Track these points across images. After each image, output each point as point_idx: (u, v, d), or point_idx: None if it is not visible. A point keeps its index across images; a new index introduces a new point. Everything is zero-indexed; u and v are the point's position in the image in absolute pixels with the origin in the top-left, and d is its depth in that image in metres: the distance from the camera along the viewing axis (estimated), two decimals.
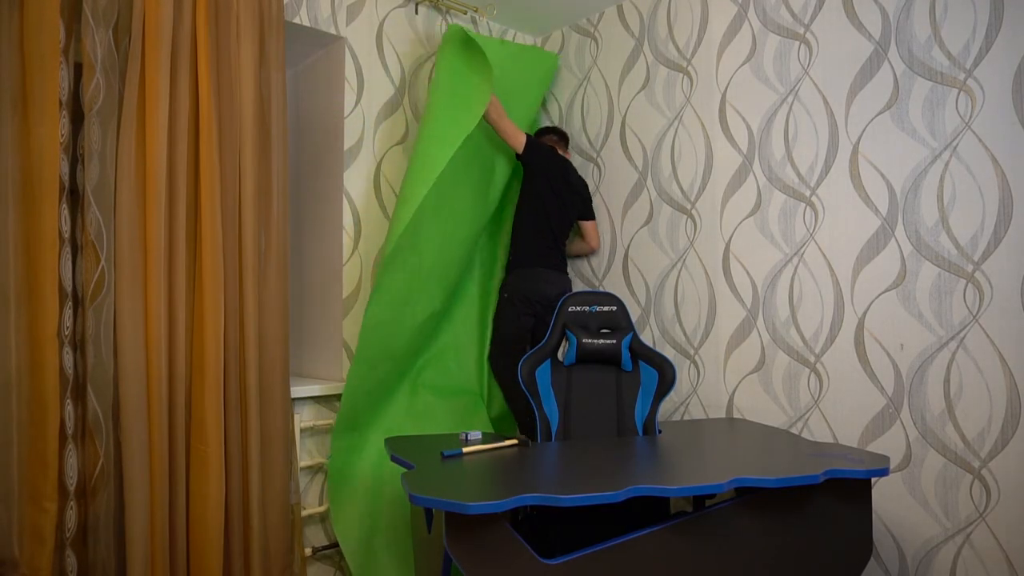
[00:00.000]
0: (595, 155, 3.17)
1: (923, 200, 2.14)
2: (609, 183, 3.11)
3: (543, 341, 2.43)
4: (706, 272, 2.72)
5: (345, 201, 2.68)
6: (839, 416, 2.33)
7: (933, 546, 2.12)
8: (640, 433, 2.38)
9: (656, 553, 1.66)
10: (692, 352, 2.77)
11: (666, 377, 2.38)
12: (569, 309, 2.46)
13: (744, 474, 1.68)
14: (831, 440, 2.34)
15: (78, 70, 1.96)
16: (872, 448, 2.24)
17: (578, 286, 3.24)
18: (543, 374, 2.37)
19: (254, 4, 2.21)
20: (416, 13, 2.90)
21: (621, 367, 2.43)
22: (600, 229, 3.15)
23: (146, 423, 1.97)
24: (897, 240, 2.20)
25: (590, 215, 3.04)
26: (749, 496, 1.76)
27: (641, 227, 2.97)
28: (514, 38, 3.36)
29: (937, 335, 2.11)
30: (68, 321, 1.92)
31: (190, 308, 2.10)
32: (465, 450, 1.97)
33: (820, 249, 2.38)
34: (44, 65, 1.84)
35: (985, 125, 2.02)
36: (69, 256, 1.93)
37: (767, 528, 1.77)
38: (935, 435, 2.12)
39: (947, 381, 2.09)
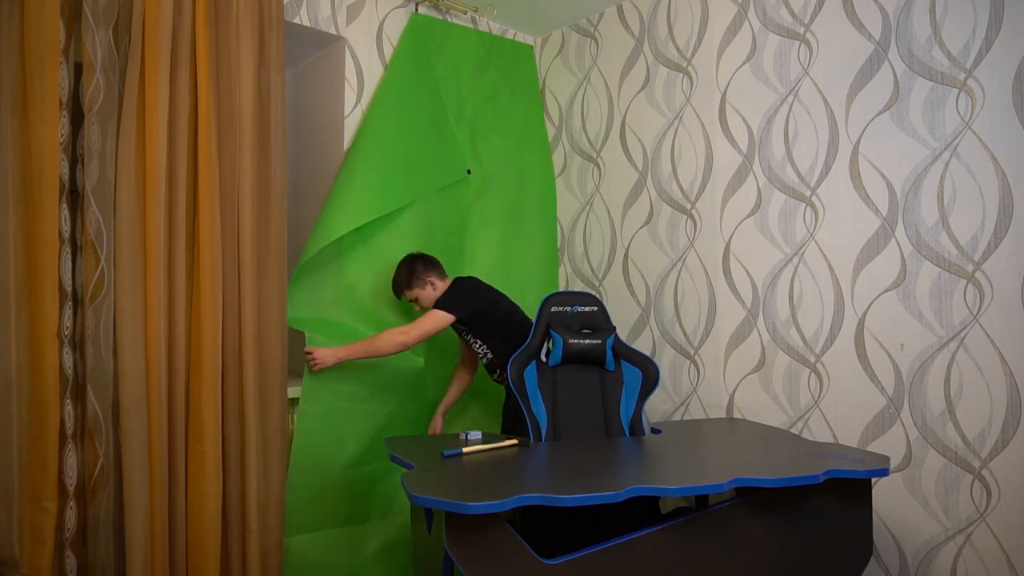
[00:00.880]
0: (595, 155, 3.17)
1: (923, 200, 2.14)
2: (609, 183, 3.11)
3: (527, 341, 2.41)
4: (706, 272, 2.72)
5: None
6: (839, 416, 2.33)
7: (933, 546, 2.12)
8: (627, 433, 2.38)
9: (656, 553, 1.66)
10: (692, 352, 2.77)
11: (650, 376, 2.38)
12: (552, 309, 2.45)
13: (744, 474, 1.68)
14: (831, 440, 2.34)
15: (78, 70, 1.96)
16: (872, 448, 2.24)
17: (576, 286, 3.24)
18: (530, 375, 2.36)
19: (254, 4, 2.21)
20: (416, 13, 2.90)
21: (605, 367, 2.43)
22: (600, 229, 3.15)
23: (146, 423, 1.97)
24: (897, 240, 2.20)
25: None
26: (749, 496, 1.76)
27: (641, 227, 2.97)
28: (514, 38, 3.36)
29: (937, 335, 2.11)
30: (68, 321, 1.92)
31: (190, 308, 2.10)
32: (465, 450, 1.97)
33: (820, 249, 2.38)
34: (44, 65, 1.84)
35: (985, 125, 2.02)
36: (69, 256, 1.93)
37: (767, 528, 1.76)
38: (935, 435, 2.12)
39: (947, 381, 2.09)
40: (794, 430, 2.44)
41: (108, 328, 1.97)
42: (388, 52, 2.80)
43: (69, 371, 1.92)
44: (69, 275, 1.93)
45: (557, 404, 2.38)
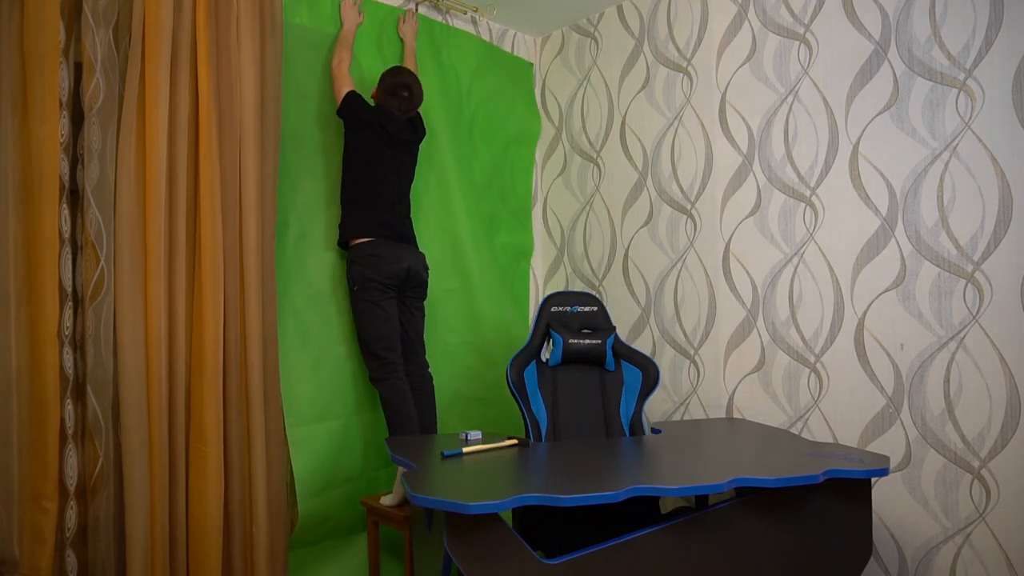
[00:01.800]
0: (595, 155, 3.17)
1: (923, 200, 2.14)
2: (609, 183, 3.11)
3: (527, 341, 2.41)
4: (706, 272, 2.72)
5: None
6: (839, 416, 2.33)
7: (933, 546, 2.12)
8: (627, 433, 2.38)
9: (656, 553, 1.66)
10: (692, 352, 2.77)
11: (650, 376, 2.38)
12: (552, 309, 2.45)
13: (744, 474, 1.68)
14: (831, 440, 2.34)
15: (78, 70, 1.96)
16: (872, 448, 2.24)
17: (576, 286, 3.24)
18: (530, 375, 2.36)
19: (254, 4, 2.21)
20: (416, 13, 2.90)
21: (605, 367, 2.43)
22: (600, 229, 3.15)
23: (146, 423, 1.97)
24: (897, 240, 2.20)
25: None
26: (749, 496, 1.76)
27: (641, 227, 2.97)
28: (514, 38, 3.36)
29: (937, 335, 2.11)
30: (68, 321, 1.92)
31: (190, 308, 2.10)
32: (465, 450, 1.97)
33: (820, 249, 2.38)
34: (44, 65, 1.84)
35: (985, 125, 2.02)
36: (69, 256, 1.93)
37: (767, 528, 1.77)
38: (935, 435, 2.12)
39: (947, 381, 2.09)
40: (794, 430, 2.44)
41: (108, 328, 1.97)
42: (388, 52, 2.80)
43: (69, 371, 1.92)
44: (69, 275, 1.93)
45: (557, 404, 2.38)
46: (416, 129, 2.64)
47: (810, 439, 2.29)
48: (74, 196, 1.98)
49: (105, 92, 1.96)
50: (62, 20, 1.88)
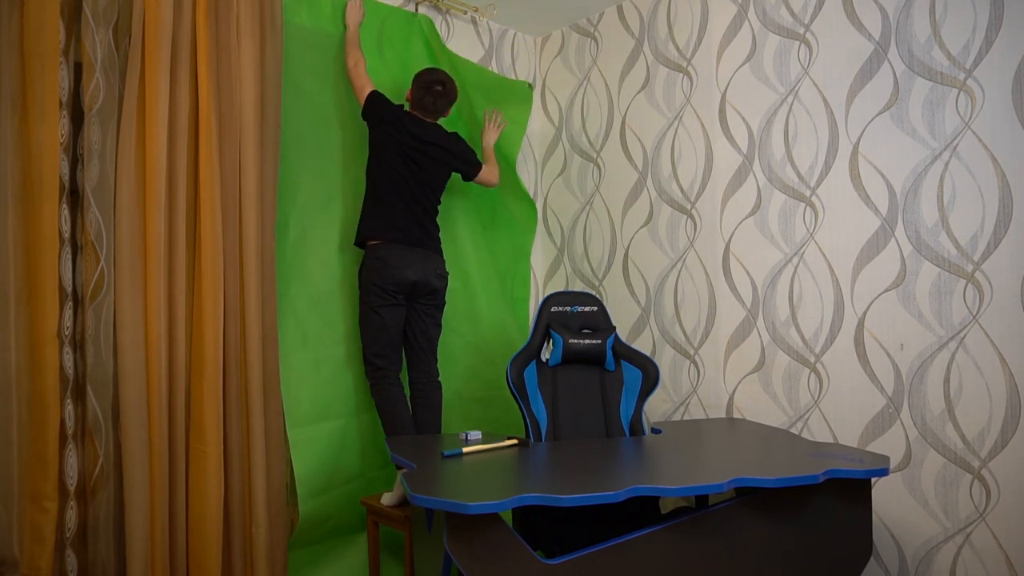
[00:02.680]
0: (595, 155, 3.17)
1: (923, 200, 2.14)
2: (609, 183, 3.11)
3: (527, 341, 2.41)
4: (706, 272, 2.72)
5: None
6: (839, 416, 2.33)
7: (933, 546, 2.12)
8: (627, 433, 2.38)
9: (656, 553, 1.66)
10: (692, 352, 2.77)
11: (650, 376, 2.38)
12: (552, 309, 2.45)
13: (744, 474, 1.68)
14: (831, 440, 2.34)
15: (78, 70, 1.96)
16: (872, 448, 2.24)
17: (576, 286, 3.24)
18: (530, 375, 2.36)
19: (254, 4, 2.21)
20: (416, 12, 2.90)
21: (604, 367, 2.43)
22: (600, 229, 3.15)
23: (146, 423, 1.97)
24: (897, 240, 2.20)
25: (471, 172, 2.66)
26: (749, 496, 1.76)
27: (641, 227, 2.97)
28: (514, 38, 3.36)
29: (937, 335, 2.11)
30: (68, 321, 1.92)
31: (190, 308, 2.10)
32: (465, 450, 1.97)
33: (820, 249, 2.38)
34: (44, 65, 1.84)
35: (985, 125, 2.02)
36: (69, 256, 1.93)
37: (767, 528, 1.77)
38: (935, 435, 2.12)
39: (947, 381, 2.09)
40: (794, 430, 2.44)
41: (108, 328, 1.97)
42: (388, 52, 2.80)
43: (69, 371, 1.92)
44: (69, 275, 1.93)
45: (557, 404, 2.38)
46: (460, 144, 2.60)
47: (810, 439, 2.28)
48: (74, 196, 1.98)
49: (105, 92, 1.97)
50: (62, 20, 1.88)
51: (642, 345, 2.94)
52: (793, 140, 2.45)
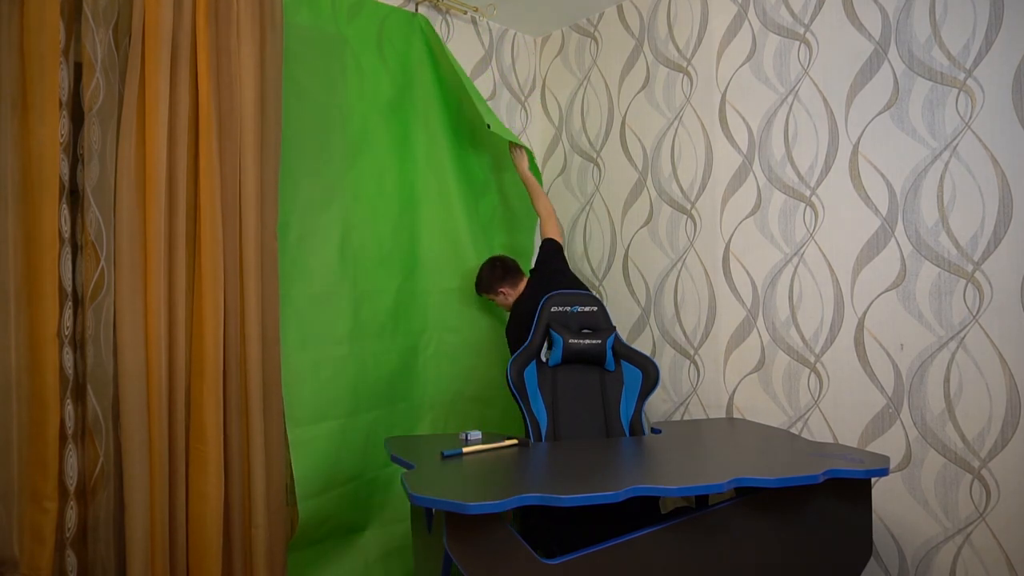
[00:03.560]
0: (595, 155, 3.18)
1: (923, 200, 2.14)
2: (609, 183, 3.11)
3: (527, 341, 2.41)
4: (706, 272, 2.72)
5: None
6: (839, 416, 2.33)
7: (933, 546, 2.12)
8: (627, 433, 2.38)
9: (656, 553, 1.66)
10: (692, 352, 2.77)
11: (650, 376, 2.38)
12: (552, 309, 2.45)
13: (744, 474, 1.68)
14: (831, 440, 2.34)
15: (78, 70, 1.96)
16: (872, 448, 2.25)
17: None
18: (530, 375, 2.36)
19: (254, 4, 2.21)
20: (416, 12, 2.90)
21: (605, 367, 2.43)
22: (600, 229, 3.15)
23: (146, 423, 1.97)
24: (897, 240, 2.20)
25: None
26: (749, 496, 1.76)
27: (641, 227, 2.97)
28: (514, 38, 3.36)
29: (937, 335, 2.11)
30: (68, 321, 1.92)
31: (190, 308, 2.10)
32: (465, 450, 1.98)
33: (820, 249, 2.38)
34: (44, 65, 1.84)
35: (985, 125, 2.02)
36: (69, 256, 1.93)
37: (767, 528, 1.77)
38: (935, 435, 2.12)
39: (947, 381, 2.09)
40: (794, 430, 2.44)
41: (108, 328, 1.96)
42: (388, 52, 2.80)
43: (69, 371, 1.92)
44: (69, 275, 1.93)
45: (557, 404, 2.38)
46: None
47: (810, 439, 2.29)
48: (74, 196, 1.98)
49: (105, 92, 1.96)
50: (62, 20, 1.88)
51: (642, 345, 2.94)
52: (793, 140, 2.46)
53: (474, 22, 3.18)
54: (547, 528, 2.17)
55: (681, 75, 2.82)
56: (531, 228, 3.36)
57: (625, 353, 2.45)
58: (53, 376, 1.84)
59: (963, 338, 2.06)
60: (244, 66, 2.17)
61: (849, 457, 1.85)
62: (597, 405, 2.41)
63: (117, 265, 1.96)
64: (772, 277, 2.51)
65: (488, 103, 3.16)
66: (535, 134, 3.45)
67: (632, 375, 2.43)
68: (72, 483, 1.92)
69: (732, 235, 2.63)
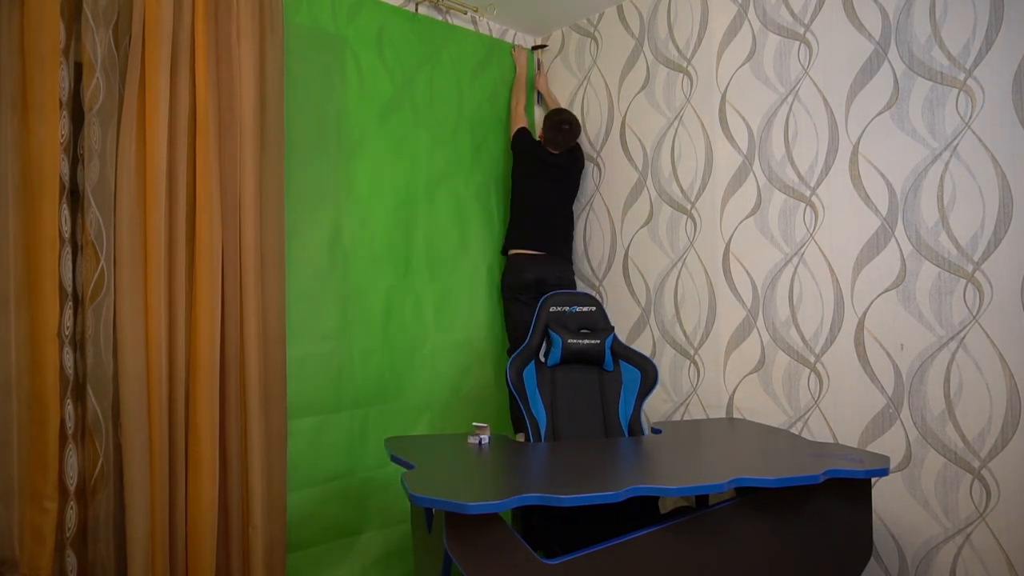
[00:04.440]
0: (595, 155, 3.17)
1: (923, 200, 2.14)
2: (609, 183, 3.11)
3: (526, 341, 2.41)
4: (706, 272, 2.72)
5: None
6: (839, 416, 2.33)
7: (933, 546, 2.12)
8: (626, 433, 2.38)
9: (656, 553, 1.66)
10: (692, 352, 2.77)
11: (648, 376, 2.38)
12: (551, 309, 2.46)
13: (744, 474, 1.68)
14: (831, 440, 2.34)
15: (78, 70, 1.96)
16: (872, 448, 2.24)
17: (577, 286, 3.24)
18: (529, 375, 2.36)
19: (254, 4, 2.21)
20: (416, 12, 2.90)
21: (603, 367, 2.43)
22: (600, 229, 3.15)
23: (146, 423, 1.97)
24: (897, 240, 2.20)
25: (580, 168, 3.15)
26: (749, 496, 1.76)
27: (641, 227, 2.97)
28: (514, 38, 3.36)
29: (937, 335, 2.11)
30: (68, 321, 1.92)
31: (190, 308, 2.10)
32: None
33: (820, 249, 2.38)
34: (44, 65, 1.84)
35: (985, 125, 2.02)
36: (69, 256, 1.93)
37: (767, 528, 1.77)
38: (935, 435, 2.12)
39: (947, 381, 2.09)
40: (794, 430, 2.44)
41: (108, 328, 1.97)
42: (388, 52, 2.80)
43: (69, 371, 1.92)
44: (69, 275, 1.93)
45: (556, 404, 2.38)
46: (575, 158, 3.08)
47: (810, 439, 2.29)
48: (74, 196, 1.98)
49: (105, 92, 1.97)
50: (62, 20, 1.88)
51: (642, 345, 2.94)
52: (793, 140, 2.45)
53: (474, 22, 3.18)
54: (547, 528, 2.17)
55: (681, 75, 2.82)
56: None
57: (623, 353, 2.45)
58: (53, 376, 1.84)
59: (963, 338, 2.06)
60: (244, 66, 2.17)
61: (849, 457, 1.85)
62: (596, 405, 2.41)
63: (117, 265, 1.96)
64: (772, 277, 2.51)
65: (489, 103, 3.17)
66: (535, 134, 3.44)
67: (631, 375, 2.43)
68: (72, 483, 1.92)
69: (732, 235, 2.63)
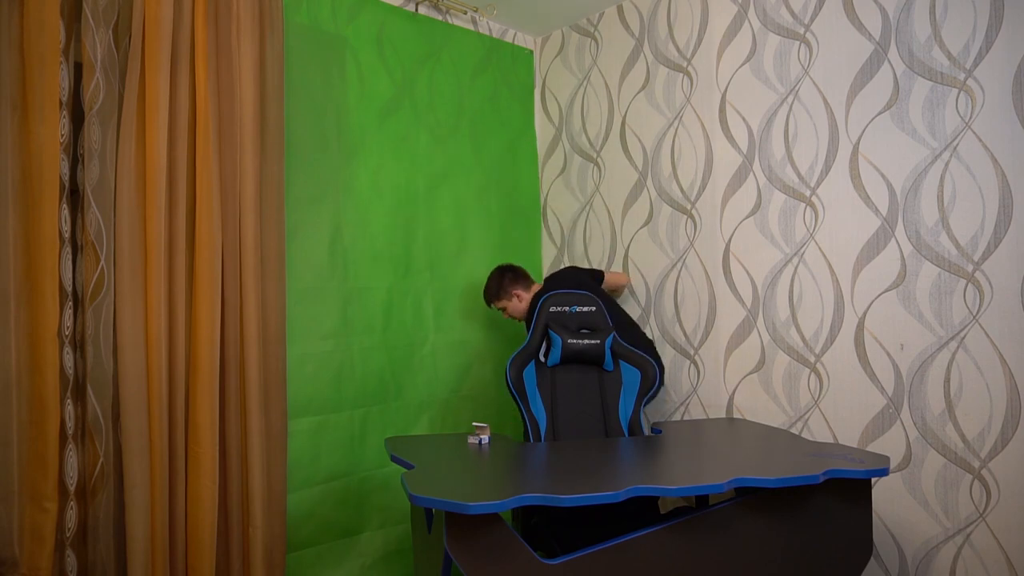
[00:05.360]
0: (595, 155, 3.17)
1: (923, 200, 2.14)
2: (609, 183, 3.11)
3: (526, 341, 2.41)
4: (706, 272, 2.72)
5: None
6: (839, 416, 2.33)
7: (933, 546, 2.12)
8: (626, 433, 2.38)
9: (656, 553, 1.66)
10: (692, 352, 2.77)
11: (648, 376, 2.38)
12: (551, 309, 2.45)
13: (744, 474, 1.68)
14: (831, 440, 2.34)
15: (78, 70, 1.96)
16: (872, 448, 2.24)
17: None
18: (529, 375, 2.36)
19: (254, 4, 2.21)
20: (416, 12, 2.90)
21: (603, 367, 2.43)
22: (600, 229, 3.15)
23: (146, 423, 1.97)
24: (897, 240, 2.20)
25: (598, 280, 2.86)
26: (749, 496, 1.76)
27: (641, 227, 2.97)
28: (514, 38, 3.36)
29: (937, 335, 2.11)
30: (68, 321, 1.92)
31: (189, 308, 2.10)
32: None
33: (820, 249, 2.38)
34: (44, 65, 1.84)
35: (985, 125, 2.02)
36: (69, 256, 1.93)
37: (767, 528, 1.76)
38: (935, 435, 2.12)
39: (947, 381, 2.09)
40: (794, 430, 2.44)
41: (108, 328, 1.96)
42: (388, 52, 2.80)
43: (69, 371, 1.92)
44: (69, 275, 1.93)
45: (556, 404, 2.39)
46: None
47: (810, 439, 2.28)
48: (74, 196, 1.98)
49: (105, 92, 1.96)
50: (62, 20, 1.88)
51: None
52: (793, 140, 2.45)
53: (474, 22, 3.17)
54: (547, 528, 2.17)
55: (681, 75, 2.82)
56: (532, 228, 3.36)
57: (623, 353, 2.45)
58: (53, 376, 1.84)
59: (963, 338, 2.06)
60: (244, 66, 2.17)
61: (849, 457, 1.85)
62: (596, 405, 2.41)
63: (117, 265, 1.96)
64: (772, 277, 2.51)
65: (489, 102, 3.17)
66: (535, 134, 3.44)
67: (631, 375, 2.43)
68: (72, 483, 1.92)
69: (732, 235, 2.63)
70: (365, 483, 2.61)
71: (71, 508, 1.92)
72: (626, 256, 3.03)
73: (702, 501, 2.25)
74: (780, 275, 2.49)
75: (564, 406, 2.39)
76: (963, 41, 2.06)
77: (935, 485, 2.12)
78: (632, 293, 2.99)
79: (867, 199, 2.26)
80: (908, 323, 2.17)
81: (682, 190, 2.81)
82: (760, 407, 2.55)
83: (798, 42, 2.44)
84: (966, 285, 2.05)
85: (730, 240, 2.64)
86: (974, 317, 2.04)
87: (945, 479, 2.10)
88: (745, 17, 2.60)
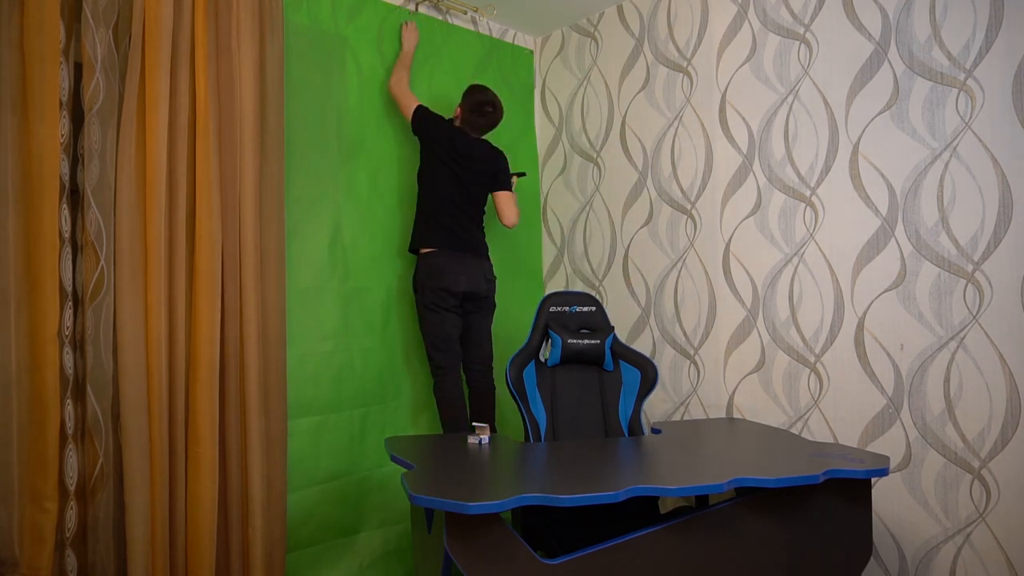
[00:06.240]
0: (595, 155, 3.17)
1: (923, 200, 2.14)
2: (609, 183, 3.11)
3: (526, 341, 2.41)
4: (706, 272, 2.72)
5: None
6: (839, 416, 2.33)
7: (933, 546, 2.12)
8: (626, 433, 2.38)
9: (656, 553, 1.66)
10: (692, 352, 2.77)
11: (648, 376, 2.39)
12: (551, 309, 2.45)
13: (744, 474, 1.68)
14: (831, 440, 2.34)
15: (78, 70, 1.96)
16: (872, 448, 2.24)
17: (577, 286, 3.24)
18: (529, 375, 2.36)
19: (254, 4, 2.21)
20: (416, 12, 2.90)
21: (603, 367, 2.43)
22: (600, 229, 3.15)
23: (146, 423, 1.97)
24: (897, 240, 2.20)
25: (499, 186, 2.72)
26: (749, 496, 1.76)
27: (641, 227, 2.97)
28: (514, 38, 3.36)
29: (937, 335, 2.11)
30: (68, 321, 1.92)
31: (189, 308, 2.10)
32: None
33: (820, 249, 2.38)
34: (44, 65, 1.84)
35: (985, 125, 2.02)
36: (69, 256, 1.93)
37: (767, 528, 1.76)
38: (935, 435, 2.12)
39: (947, 381, 2.09)
40: (794, 430, 2.44)
41: (108, 328, 1.96)
42: (388, 52, 2.80)
43: (69, 371, 1.92)
44: (69, 275, 1.93)
45: (556, 404, 2.38)
46: (497, 155, 2.74)
47: (810, 439, 2.29)
48: (74, 196, 1.97)
49: (105, 92, 1.96)
50: (62, 20, 1.88)
51: (642, 345, 2.94)
52: (793, 140, 2.45)
53: (474, 22, 3.17)
54: (547, 528, 2.17)
55: (681, 75, 2.82)
56: (532, 228, 3.36)
57: (623, 353, 2.45)
58: (53, 376, 1.84)
59: (963, 338, 2.06)
60: (244, 66, 2.17)
61: (849, 457, 1.85)
62: (596, 405, 2.41)
63: (117, 265, 1.96)
64: (772, 277, 2.51)
65: None
66: (535, 134, 3.44)
67: (631, 375, 2.43)
68: (72, 483, 1.92)
69: (732, 235, 2.63)
70: (364, 483, 2.61)
71: (71, 508, 1.92)
72: (626, 256, 3.03)
73: (702, 501, 2.25)
74: (780, 275, 2.49)
75: (564, 406, 2.39)
76: (963, 41, 2.06)
77: (935, 485, 2.12)
78: (632, 293, 2.99)
79: (867, 199, 2.27)
80: (908, 323, 2.17)
81: (682, 190, 2.81)
82: (760, 407, 2.55)
83: (798, 42, 2.44)
84: (966, 285, 2.06)
85: (730, 240, 2.64)
86: (974, 317, 2.04)
87: (945, 479, 2.10)
88: (745, 17, 2.60)
